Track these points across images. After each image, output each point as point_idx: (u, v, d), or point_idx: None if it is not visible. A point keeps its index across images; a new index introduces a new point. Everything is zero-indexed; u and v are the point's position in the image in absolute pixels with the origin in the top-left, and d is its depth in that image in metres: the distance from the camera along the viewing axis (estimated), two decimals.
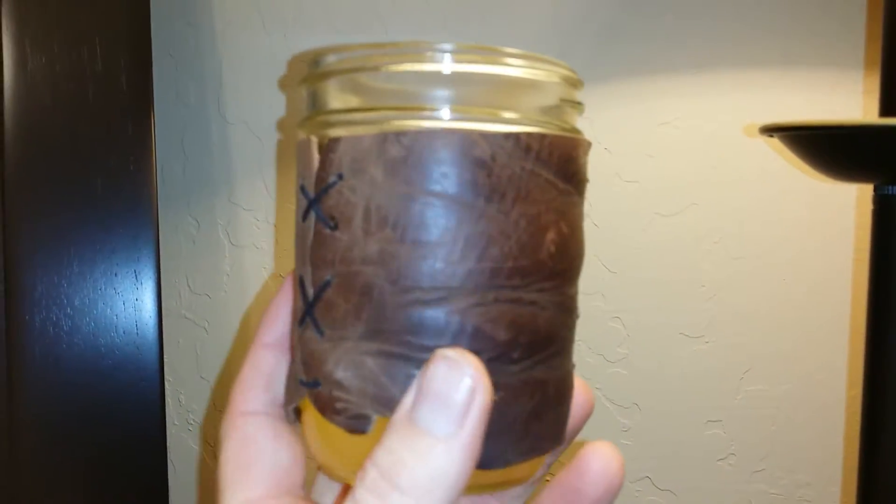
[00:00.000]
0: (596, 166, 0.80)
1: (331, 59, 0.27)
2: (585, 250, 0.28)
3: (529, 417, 0.26)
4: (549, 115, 0.27)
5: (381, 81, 0.27)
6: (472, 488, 0.25)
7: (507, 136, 0.25)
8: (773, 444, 0.80)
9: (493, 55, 0.26)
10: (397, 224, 0.24)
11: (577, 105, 0.29)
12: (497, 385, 0.24)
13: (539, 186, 0.25)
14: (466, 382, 0.23)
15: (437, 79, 0.26)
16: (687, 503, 0.81)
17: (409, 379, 0.24)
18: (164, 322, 0.68)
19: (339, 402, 0.25)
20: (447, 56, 0.26)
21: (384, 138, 0.25)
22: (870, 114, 0.76)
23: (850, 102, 0.77)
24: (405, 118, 0.26)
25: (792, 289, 0.79)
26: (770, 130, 0.56)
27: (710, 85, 0.78)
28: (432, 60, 0.26)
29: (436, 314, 0.24)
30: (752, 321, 0.79)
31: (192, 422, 0.85)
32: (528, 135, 0.25)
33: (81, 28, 0.66)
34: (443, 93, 0.26)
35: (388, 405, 0.25)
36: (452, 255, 0.24)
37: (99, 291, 0.66)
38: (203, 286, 0.84)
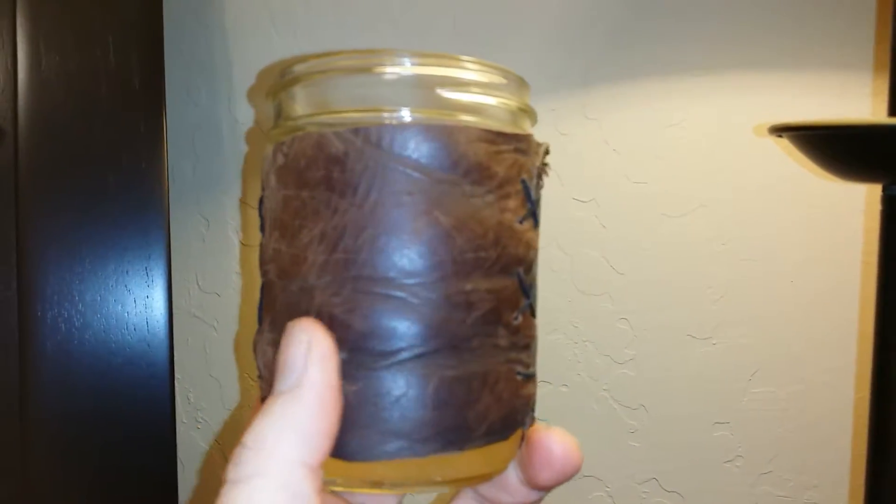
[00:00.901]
0: (604, 168, 0.80)
1: (294, 70, 0.28)
2: (514, 243, 0.27)
3: (400, 414, 0.25)
4: (435, 106, 0.27)
5: (323, 91, 0.28)
6: (353, 482, 0.26)
7: (357, 131, 0.25)
8: (780, 446, 0.80)
9: (385, 57, 0.26)
10: (280, 224, 0.27)
11: (466, 87, 0.27)
12: (356, 376, 0.25)
13: (398, 178, 0.25)
14: (300, 338, 0.24)
15: (341, 85, 0.27)
16: None
17: None
18: (173, 320, 0.69)
19: (261, 389, 0.28)
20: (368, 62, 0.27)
21: (276, 149, 0.27)
22: (878, 116, 0.76)
23: (858, 104, 0.77)
24: (319, 123, 0.27)
25: (800, 290, 0.79)
26: (779, 130, 0.57)
27: (718, 87, 0.78)
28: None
29: (305, 305, 0.26)
30: (759, 323, 0.79)
31: (201, 420, 0.86)
32: (380, 128, 0.25)
33: (95, 28, 0.67)
34: (345, 97, 0.27)
35: None
36: (316, 249, 0.25)
37: (110, 288, 0.67)
38: (212, 285, 0.84)
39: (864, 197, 0.78)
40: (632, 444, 0.81)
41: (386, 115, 0.26)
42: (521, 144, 0.27)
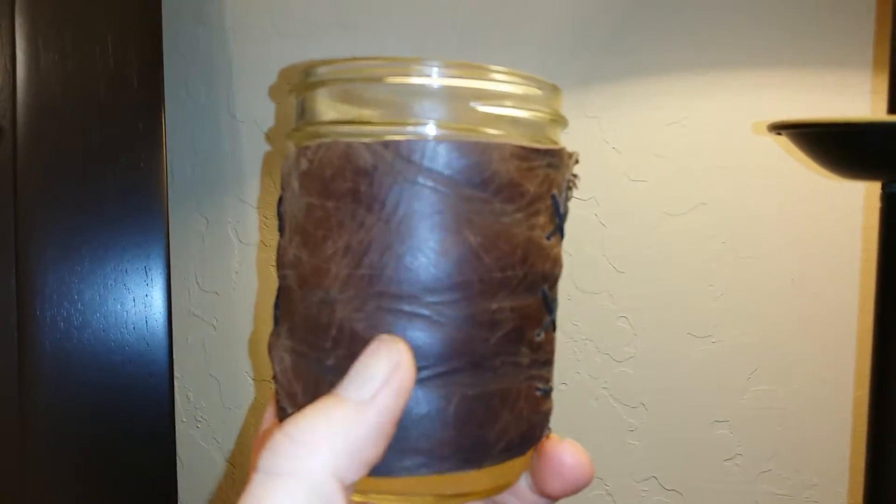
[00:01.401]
0: (604, 166, 0.80)
1: (320, 72, 0.27)
2: (541, 260, 0.26)
3: (421, 432, 0.24)
4: (467, 120, 0.26)
5: (349, 96, 0.27)
6: (365, 490, 0.25)
7: (387, 144, 0.24)
8: (779, 445, 0.80)
9: (416, 66, 0.26)
10: (302, 231, 0.26)
11: (499, 100, 0.27)
12: None
13: (428, 194, 0.24)
14: (392, 357, 0.23)
15: (377, 93, 0.27)
16: (693, 503, 0.81)
17: (307, 376, 0.25)
18: (173, 319, 0.69)
19: (277, 393, 0.28)
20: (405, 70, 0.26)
21: (299, 153, 0.26)
22: (878, 114, 0.76)
23: (858, 102, 0.77)
24: (345, 132, 0.26)
25: (799, 289, 0.79)
26: (779, 128, 0.57)
27: (718, 85, 0.78)
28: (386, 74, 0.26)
29: (327, 319, 0.25)
30: (759, 321, 0.80)
31: (200, 419, 0.86)
32: (411, 142, 0.24)
33: (93, 26, 0.67)
34: (382, 106, 0.26)
35: (293, 400, 0.26)
36: (339, 262, 0.25)
37: (109, 287, 0.67)
38: (212, 284, 0.84)
39: (863, 195, 0.78)
40: (631, 443, 0.81)
41: (417, 128, 0.25)
42: (554, 159, 0.27)
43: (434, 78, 0.25)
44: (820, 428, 0.80)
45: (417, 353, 0.24)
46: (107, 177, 0.67)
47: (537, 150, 0.26)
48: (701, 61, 0.78)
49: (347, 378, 0.23)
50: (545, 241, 0.26)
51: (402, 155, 0.24)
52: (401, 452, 0.24)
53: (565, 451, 0.27)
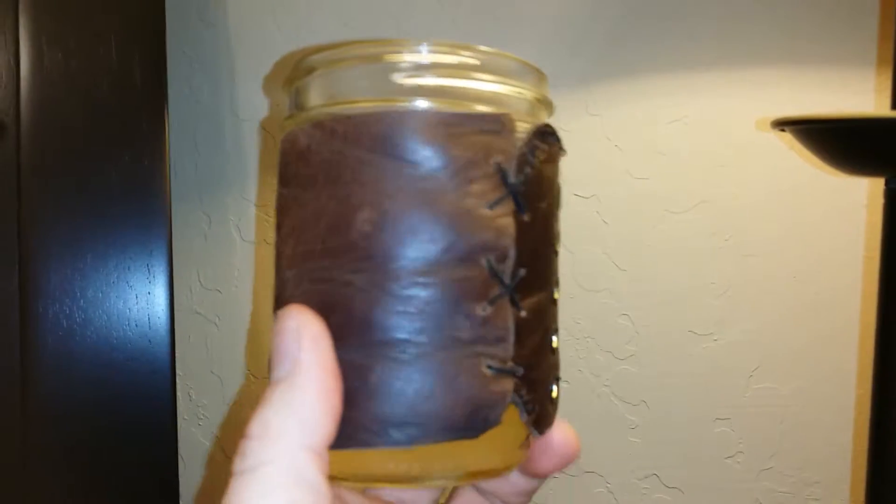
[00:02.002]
0: (606, 164, 0.80)
1: (308, 61, 0.28)
2: (478, 229, 0.25)
3: (356, 406, 0.24)
4: (397, 93, 0.26)
5: (324, 87, 0.28)
6: (350, 476, 0.25)
7: (315, 124, 0.26)
8: (781, 443, 0.80)
9: (389, 46, 0.26)
10: (275, 220, 0.28)
11: (417, 73, 0.26)
12: None
13: (350, 167, 0.25)
14: (290, 325, 0.24)
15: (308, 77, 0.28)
16: (694, 501, 0.81)
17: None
18: (175, 317, 0.69)
19: None
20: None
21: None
22: (881, 111, 0.76)
23: (861, 100, 0.77)
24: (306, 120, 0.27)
25: (802, 287, 0.79)
26: (782, 124, 0.57)
27: (721, 83, 0.78)
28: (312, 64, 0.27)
29: (282, 298, 0.27)
30: (761, 319, 0.79)
31: (202, 416, 0.86)
32: (334, 118, 0.25)
33: (97, 25, 0.67)
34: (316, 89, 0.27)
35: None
36: (288, 243, 0.26)
37: (112, 284, 0.67)
38: (214, 281, 0.84)
39: (866, 192, 0.78)
40: (633, 440, 0.81)
41: (351, 107, 0.26)
42: (489, 125, 0.25)
43: (405, 55, 0.26)
44: (822, 425, 0.80)
45: (348, 324, 0.25)
46: (110, 174, 0.67)
47: (465, 115, 0.25)
48: (703, 59, 0.78)
49: (272, 363, 0.24)
50: (484, 210, 0.25)
51: (328, 133, 0.25)
52: (346, 424, 0.24)
53: (552, 429, 0.28)
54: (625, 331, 0.81)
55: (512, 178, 0.26)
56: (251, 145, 0.83)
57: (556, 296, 0.28)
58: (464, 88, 0.27)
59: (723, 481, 0.81)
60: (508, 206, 0.25)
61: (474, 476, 0.27)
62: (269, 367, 0.24)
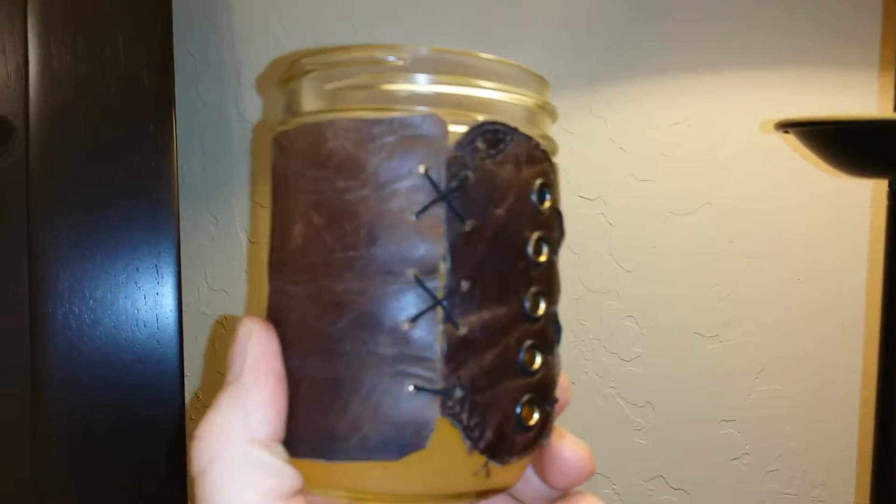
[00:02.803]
0: (611, 166, 0.80)
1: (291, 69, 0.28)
2: (400, 240, 0.24)
3: (291, 416, 0.25)
4: (339, 102, 0.26)
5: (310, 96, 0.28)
6: (328, 488, 0.25)
7: (273, 139, 0.26)
8: (786, 444, 0.80)
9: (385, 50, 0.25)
10: None
11: (349, 86, 0.26)
12: None
13: (291, 182, 0.25)
14: (241, 332, 0.25)
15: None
16: (700, 502, 0.81)
17: None
18: (182, 317, 0.69)
19: None
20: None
21: None
22: (884, 113, 0.76)
23: (864, 102, 0.77)
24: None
25: (806, 288, 0.79)
26: (786, 126, 0.57)
27: (725, 85, 0.78)
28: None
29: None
30: (766, 320, 0.80)
31: None
32: (283, 133, 0.26)
33: (104, 27, 0.68)
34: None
35: None
36: (266, 251, 0.27)
37: (120, 285, 0.67)
38: (221, 282, 0.85)
39: (870, 194, 0.78)
40: (638, 442, 0.81)
41: (313, 118, 0.25)
42: (411, 130, 0.24)
43: (398, 60, 0.25)
44: (827, 427, 0.80)
45: (288, 334, 0.25)
46: (118, 176, 0.68)
47: (386, 121, 0.24)
48: (707, 61, 0.78)
49: (226, 370, 0.26)
50: (410, 219, 0.24)
51: (279, 148, 0.26)
52: (287, 432, 0.25)
53: (564, 447, 0.27)
54: (630, 332, 0.81)
55: (443, 184, 0.24)
56: (257, 146, 0.84)
57: (536, 311, 0.26)
58: (439, 94, 0.25)
59: (728, 483, 0.81)
60: (437, 215, 0.24)
61: (418, 500, 0.25)
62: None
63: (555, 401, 0.27)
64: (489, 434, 0.24)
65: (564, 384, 0.28)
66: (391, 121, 0.24)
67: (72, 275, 0.66)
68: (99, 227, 0.67)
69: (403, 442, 0.24)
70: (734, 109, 0.78)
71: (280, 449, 0.24)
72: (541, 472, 0.28)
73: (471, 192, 0.24)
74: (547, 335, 0.26)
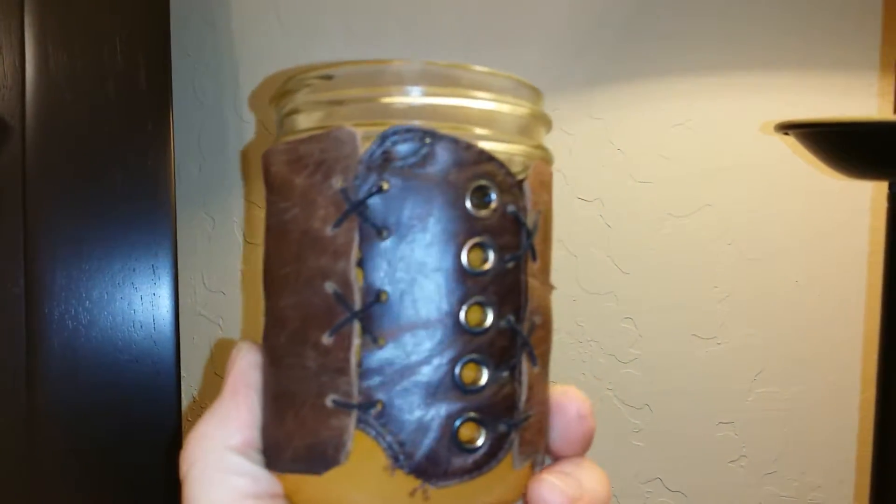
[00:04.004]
0: (609, 167, 0.80)
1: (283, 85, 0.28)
2: (317, 253, 0.24)
3: (275, 429, 0.26)
4: (281, 128, 0.27)
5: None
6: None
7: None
8: (784, 446, 0.80)
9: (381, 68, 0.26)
10: None
11: (320, 103, 0.26)
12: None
13: (266, 206, 0.27)
14: (232, 355, 0.27)
15: None
16: None
17: None
18: (179, 318, 0.69)
19: None
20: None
21: None
22: (885, 115, 0.76)
23: (864, 104, 0.77)
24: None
25: (805, 290, 0.79)
26: (786, 128, 0.57)
27: (724, 87, 0.78)
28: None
29: None
30: (764, 323, 0.79)
31: None
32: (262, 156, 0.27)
33: (102, 27, 0.67)
34: None
35: None
36: None
37: (117, 286, 0.67)
38: (218, 283, 0.85)
39: (869, 196, 0.78)
40: (636, 444, 0.81)
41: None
42: (324, 144, 0.24)
43: (281, 91, 0.27)
44: (825, 430, 0.80)
45: (262, 351, 0.27)
46: (115, 176, 0.68)
47: (305, 140, 0.25)
48: (706, 63, 0.78)
49: None
50: (325, 234, 0.24)
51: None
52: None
53: (543, 487, 0.25)
54: (628, 334, 0.81)
55: (356, 195, 0.23)
56: (255, 147, 0.83)
57: (477, 324, 0.24)
58: (437, 106, 0.25)
59: (726, 485, 0.81)
60: (354, 226, 0.24)
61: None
62: None
63: (523, 420, 0.25)
64: (418, 454, 0.23)
65: (583, 410, 0.27)
66: (313, 139, 0.24)
67: (68, 275, 0.66)
68: (96, 228, 0.67)
69: (326, 456, 0.24)
70: (733, 111, 0.78)
71: (258, 456, 0.26)
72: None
73: (389, 201, 0.23)
74: (499, 349, 0.24)
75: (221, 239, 0.84)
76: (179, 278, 0.70)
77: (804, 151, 0.59)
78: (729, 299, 0.80)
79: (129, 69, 0.68)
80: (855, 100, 0.77)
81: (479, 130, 0.25)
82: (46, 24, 0.66)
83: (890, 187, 0.57)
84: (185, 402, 0.85)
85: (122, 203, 0.67)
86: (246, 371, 0.26)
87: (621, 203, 0.80)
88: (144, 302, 0.67)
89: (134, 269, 0.67)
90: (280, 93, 0.27)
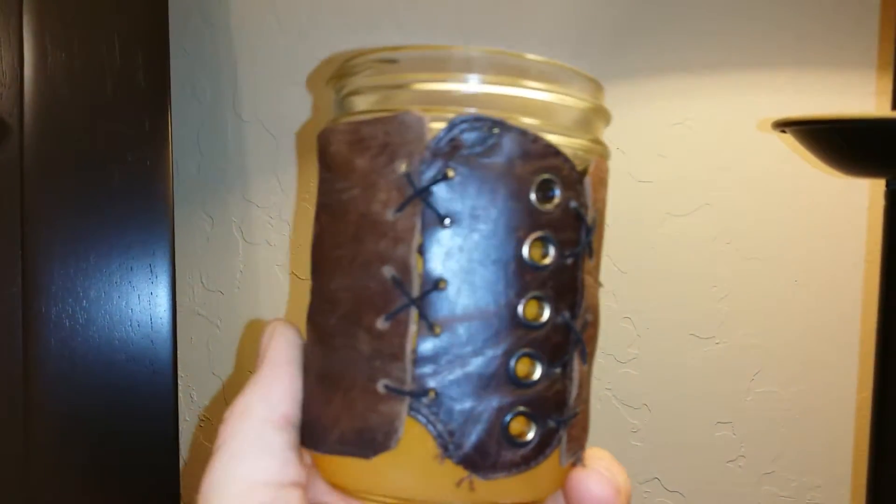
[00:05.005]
0: (608, 166, 0.80)
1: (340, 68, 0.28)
2: (376, 237, 0.24)
3: (320, 409, 0.25)
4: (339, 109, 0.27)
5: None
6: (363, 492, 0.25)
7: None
8: (783, 446, 0.80)
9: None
10: None
11: (378, 87, 0.26)
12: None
13: (319, 183, 0.26)
14: (266, 331, 0.27)
15: None
16: None
17: None
18: (177, 318, 0.69)
19: None
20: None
21: None
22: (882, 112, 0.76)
23: (862, 103, 0.77)
24: None
25: (803, 290, 0.79)
26: (783, 125, 0.57)
27: (723, 85, 0.78)
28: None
29: None
30: (763, 322, 0.79)
31: (203, 418, 0.86)
32: (318, 135, 0.27)
33: (100, 25, 0.67)
34: None
35: None
36: None
37: (114, 285, 0.67)
38: (216, 283, 0.84)
39: (867, 194, 0.78)
40: (634, 444, 0.81)
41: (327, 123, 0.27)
42: (389, 127, 0.24)
43: (337, 73, 0.27)
44: (823, 430, 0.80)
45: (306, 328, 0.27)
46: (113, 175, 0.68)
47: (369, 122, 0.24)
48: (705, 62, 0.78)
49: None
50: (386, 218, 0.24)
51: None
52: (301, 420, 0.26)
53: (591, 478, 0.25)
54: (627, 334, 0.81)
55: (420, 181, 0.23)
56: (254, 146, 0.83)
57: (535, 318, 0.24)
58: (538, 101, 0.26)
59: (724, 485, 0.81)
60: (412, 212, 0.23)
61: (402, 502, 0.25)
62: None
63: (572, 416, 0.25)
64: (467, 444, 0.23)
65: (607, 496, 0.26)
66: (378, 121, 0.24)
67: (66, 274, 0.66)
68: (93, 227, 0.67)
69: (375, 441, 0.24)
70: (732, 110, 0.78)
71: (294, 435, 0.25)
72: (567, 501, 0.26)
73: (453, 189, 0.23)
74: (553, 345, 0.24)
75: (220, 238, 0.84)
76: (177, 278, 0.70)
77: (802, 150, 0.59)
78: (727, 299, 0.80)
79: (127, 68, 0.68)
80: (852, 98, 0.77)
81: (544, 123, 0.25)
82: (45, 22, 0.66)
83: (887, 184, 0.57)
84: (183, 401, 0.85)
85: (120, 202, 0.67)
86: (285, 347, 0.26)
87: (620, 202, 0.80)
88: (142, 301, 0.67)
89: (132, 269, 0.67)
90: (340, 73, 0.26)
